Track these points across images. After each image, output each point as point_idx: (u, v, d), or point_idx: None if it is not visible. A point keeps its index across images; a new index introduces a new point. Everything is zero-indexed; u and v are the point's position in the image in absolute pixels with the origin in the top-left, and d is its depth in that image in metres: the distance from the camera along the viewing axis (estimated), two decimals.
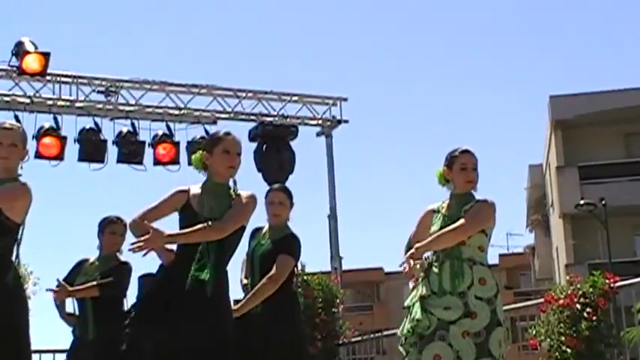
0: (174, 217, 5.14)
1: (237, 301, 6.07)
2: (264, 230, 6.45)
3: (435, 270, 5.45)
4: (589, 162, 29.88)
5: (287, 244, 6.32)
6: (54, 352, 10.24)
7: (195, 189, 5.12)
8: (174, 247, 5.04)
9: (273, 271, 6.12)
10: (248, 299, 6.12)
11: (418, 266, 5.50)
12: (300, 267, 11.40)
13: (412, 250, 5.46)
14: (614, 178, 29.29)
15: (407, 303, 5.52)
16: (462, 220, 5.39)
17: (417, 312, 5.40)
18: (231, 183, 5.13)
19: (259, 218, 6.39)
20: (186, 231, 4.89)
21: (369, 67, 68.03)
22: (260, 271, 6.22)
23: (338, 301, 11.37)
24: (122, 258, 7.19)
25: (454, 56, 66.12)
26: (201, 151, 5.19)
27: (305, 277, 11.32)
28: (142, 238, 4.73)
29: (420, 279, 5.50)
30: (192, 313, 4.86)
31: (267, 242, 6.34)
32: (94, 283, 6.97)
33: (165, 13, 63.85)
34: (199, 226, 4.86)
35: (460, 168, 5.53)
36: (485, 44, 64.72)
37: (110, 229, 7.14)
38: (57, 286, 7.06)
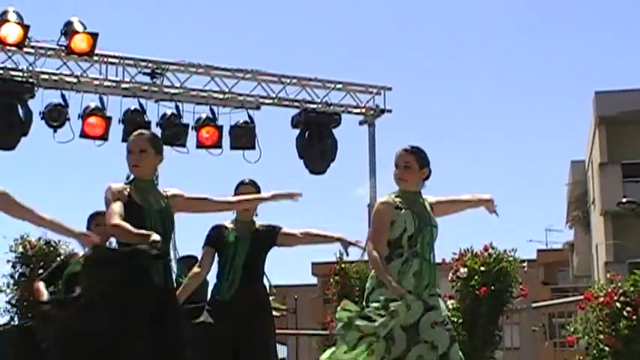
0: None
1: None
2: (230, 226, 6.28)
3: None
4: (633, 160, 29.49)
5: (271, 235, 6.29)
6: None
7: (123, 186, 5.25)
8: None
9: None
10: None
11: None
12: (337, 255, 11.42)
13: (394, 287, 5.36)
14: None
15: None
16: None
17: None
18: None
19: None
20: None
21: (415, 57, 67.88)
22: (244, 270, 6.14)
23: None
24: None
25: (499, 49, 65.75)
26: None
27: (343, 266, 11.33)
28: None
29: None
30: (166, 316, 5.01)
31: (247, 239, 6.20)
32: None
33: None
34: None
35: (395, 165, 5.68)
36: (532, 38, 64.28)
37: (96, 221, 6.96)
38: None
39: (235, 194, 6.23)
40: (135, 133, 5.38)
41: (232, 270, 6.14)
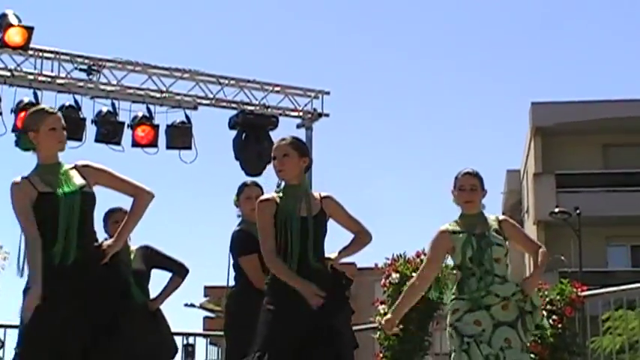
0: None
1: None
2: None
3: None
4: (566, 170, 30.01)
5: None
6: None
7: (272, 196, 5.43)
8: None
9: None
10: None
11: None
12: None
13: None
14: (590, 188, 29.43)
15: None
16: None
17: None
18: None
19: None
20: None
21: (353, 61, 68.03)
22: None
23: None
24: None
25: (437, 56, 66.15)
26: None
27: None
28: None
29: None
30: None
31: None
32: None
33: None
34: None
35: (458, 189, 5.84)
36: (469, 46, 64.84)
37: (113, 218, 6.59)
38: None
39: (242, 196, 6.49)
40: (278, 139, 5.54)
41: None
